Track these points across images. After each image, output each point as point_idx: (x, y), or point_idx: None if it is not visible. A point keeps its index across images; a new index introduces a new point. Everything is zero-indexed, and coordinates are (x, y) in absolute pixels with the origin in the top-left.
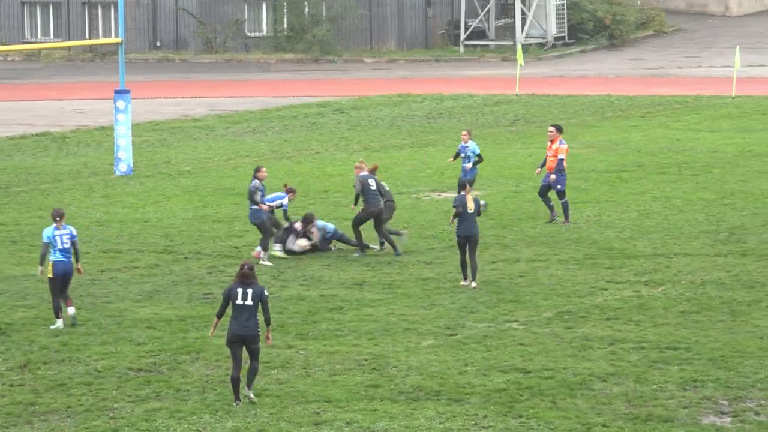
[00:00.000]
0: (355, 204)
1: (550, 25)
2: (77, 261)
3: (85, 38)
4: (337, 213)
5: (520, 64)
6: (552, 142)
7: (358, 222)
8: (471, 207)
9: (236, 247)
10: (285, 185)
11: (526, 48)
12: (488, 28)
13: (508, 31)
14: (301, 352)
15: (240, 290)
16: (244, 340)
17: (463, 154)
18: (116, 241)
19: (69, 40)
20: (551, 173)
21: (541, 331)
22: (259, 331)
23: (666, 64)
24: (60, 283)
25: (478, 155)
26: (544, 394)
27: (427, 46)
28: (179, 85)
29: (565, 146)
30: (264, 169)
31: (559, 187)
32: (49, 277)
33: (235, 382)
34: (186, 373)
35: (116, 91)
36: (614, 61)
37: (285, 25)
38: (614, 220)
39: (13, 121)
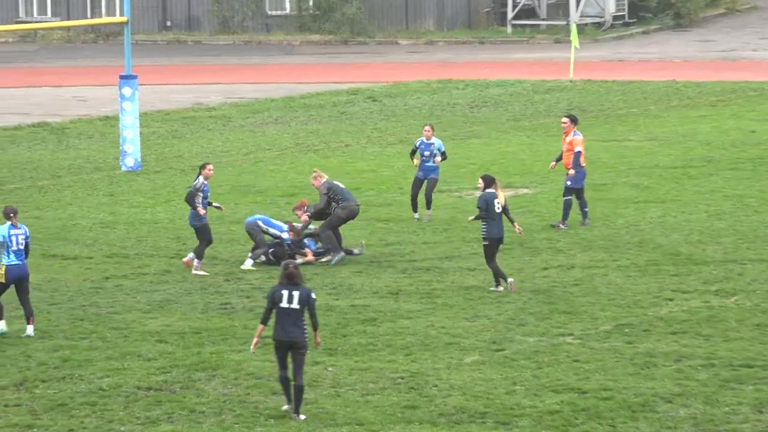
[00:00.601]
0: (322, 218)
1: (608, 2)
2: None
3: (86, 17)
4: (368, 214)
5: (575, 47)
6: (566, 134)
7: (337, 223)
8: (501, 203)
9: None
10: (290, 225)
11: (581, 28)
12: (539, 6)
13: (561, 9)
14: (330, 369)
15: (285, 292)
16: (290, 346)
17: (427, 152)
18: (122, 245)
19: (68, 19)
20: (569, 170)
21: (598, 346)
22: (306, 337)
23: (739, 47)
24: (12, 288)
25: (443, 153)
26: (602, 417)
27: (470, 26)
28: (192, 69)
29: (580, 137)
30: (211, 166)
31: (569, 183)
32: (0, 282)
33: (284, 380)
34: (201, 393)
35: (122, 77)
36: (680, 43)
37: (310, 3)
38: (680, 222)
39: (7, 110)
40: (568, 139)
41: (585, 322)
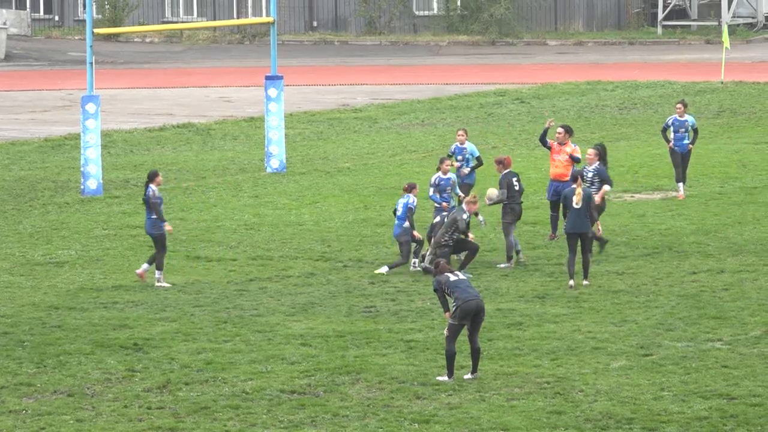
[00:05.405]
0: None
1: (760, 2)
2: None
3: (232, 17)
4: None
5: (726, 48)
6: (565, 144)
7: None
8: (578, 201)
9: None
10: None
11: (732, 29)
12: (690, 6)
13: (712, 9)
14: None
15: (449, 274)
16: (478, 310)
17: (460, 156)
18: (267, 247)
19: (214, 19)
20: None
21: (748, 352)
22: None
23: None
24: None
25: (477, 158)
26: (751, 424)
27: (619, 27)
28: (338, 70)
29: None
30: (161, 176)
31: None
32: None
33: (453, 356)
34: (345, 396)
35: (267, 77)
36: None
37: (458, 3)
38: None
39: (152, 111)
40: (568, 149)
41: (734, 327)
